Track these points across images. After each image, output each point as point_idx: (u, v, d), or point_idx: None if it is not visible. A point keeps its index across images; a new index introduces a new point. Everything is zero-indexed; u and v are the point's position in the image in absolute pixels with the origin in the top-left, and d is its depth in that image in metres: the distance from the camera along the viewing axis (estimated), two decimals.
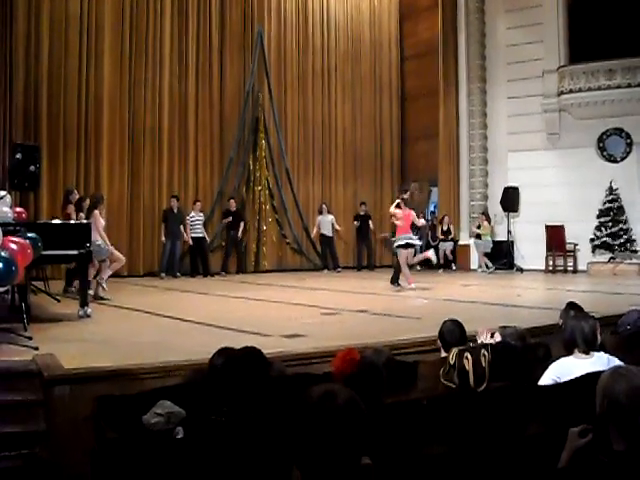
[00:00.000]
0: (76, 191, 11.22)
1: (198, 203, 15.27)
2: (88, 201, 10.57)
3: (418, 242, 12.53)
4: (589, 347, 4.01)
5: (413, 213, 12.30)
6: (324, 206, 17.16)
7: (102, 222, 9.93)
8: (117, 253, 10.36)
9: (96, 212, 9.96)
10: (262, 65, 17.07)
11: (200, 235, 15.09)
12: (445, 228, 17.54)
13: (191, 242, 15.02)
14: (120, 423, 3.31)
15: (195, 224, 15.02)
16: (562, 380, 3.85)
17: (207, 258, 15.29)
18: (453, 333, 4.56)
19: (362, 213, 17.72)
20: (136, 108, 14.98)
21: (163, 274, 14.41)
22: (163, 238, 14.54)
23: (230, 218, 15.64)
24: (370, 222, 17.71)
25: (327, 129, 18.56)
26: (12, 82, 13.19)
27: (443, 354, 4.48)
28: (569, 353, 4.09)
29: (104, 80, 14.42)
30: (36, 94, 13.53)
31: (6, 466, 4.24)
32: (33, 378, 4.73)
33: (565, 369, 3.90)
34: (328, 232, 17.00)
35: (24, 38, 13.38)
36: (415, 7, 19.93)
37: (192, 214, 15.08)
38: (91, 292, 9.81)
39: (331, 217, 17.11)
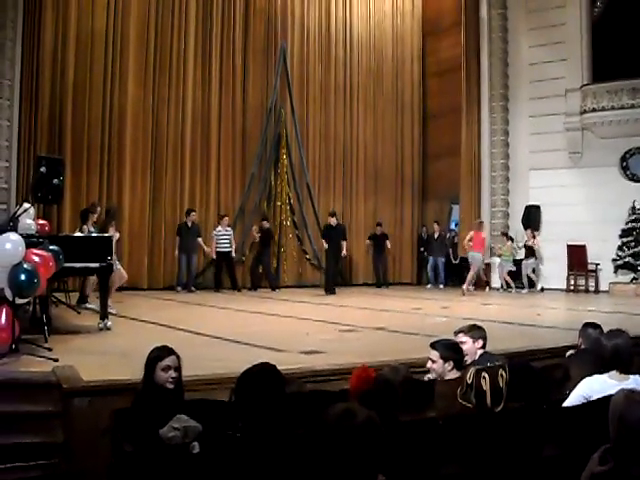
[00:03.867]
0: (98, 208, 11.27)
1: (225, 218, 15.26)
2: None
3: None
4: (619, 367, 3.85)
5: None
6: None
7: (116, 236, 9.99)
8: (120, 269, 10.35)
9: (113, 225, 10.07)
10: (285, 81, 17.19)
11: (227, 250, 15.06)
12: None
13: (214, 256, 14.98)
14: (137, 436, 3.33)
15: (222, 239, 15.05)
16: (593, 398, 3.75)
17: (234, 272, 15.30)
18: (452, 350, 4.52)
19: (378, 233, 17.69)
20: (159, 123, 15.12)
21: (179, 288, 14.45)
22: (176, 252, 14.54)
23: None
24: (387, 242, 17.69)
25: (348, 145, 18.61)
26: (38, 96, 13.39)
27: (448, 376, 4.42)
28: (598, 372, 3.93)
29: (128, 96, 14.59)
30: (61, 108, 13.71)
31: (25, 476, 4.28)
32: (52, 389, 4.77)
33: (598, 388, 3.75)
34: None
35: (50, 53, 13.59)
36: (438, 25, 20.00)
37: (219, 228, 15.09)
38: (94, 306, 9.89)
39: None
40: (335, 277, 15.79)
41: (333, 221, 15.43)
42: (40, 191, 9.08)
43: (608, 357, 3.89)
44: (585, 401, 3.77)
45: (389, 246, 17.75)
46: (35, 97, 13.38)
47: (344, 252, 15.56)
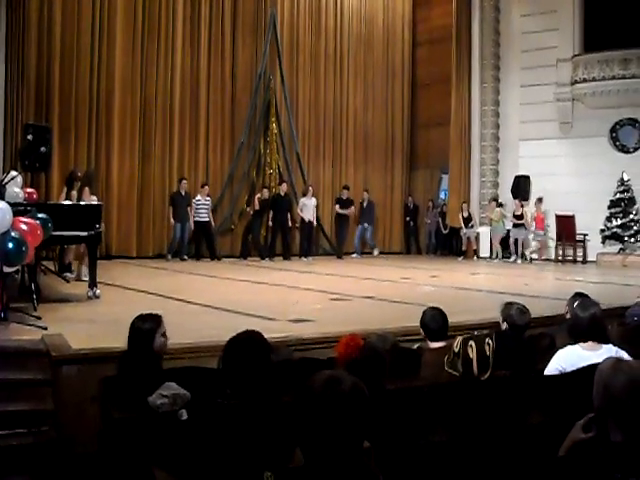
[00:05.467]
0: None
1: (206, 187, 15.09)
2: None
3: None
4: (595, 338, 3.95)
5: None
6: (310, 188, 16.58)
7: (92, 200, 9.92)
8: None
9: (86, 189, 10.00)
10: (274, 48, 17.02)
11: (205, 219, 14.90)
12: (466, 215, 17.30)
13: (192, 226, 14.73)
14: (126, 403, 3.36)
15: (200, 208, 14.86)
16: (567, 370, 3.82)
17: (213, 242, 15.19)
18: (435, 319, 4.56)
19: (344, 197, 17.06)
20: (148, 90, 14.97)
21: (169, 256, 14.37)
22: (172, 221, 14.43)
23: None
24: (352, 208, 17.09)
25: (338, 113, 18.52)
26: (24, 63, 13.20)
27: (431, 345, 4.47)
28: (574, 342, 4.03)
29: (116, 62, 14.41)
30: (48, 75, 13.54)
31: (14, 443, 4.30)
32: (42, 357, 4.79)
33: (571, 359, 3.84)
34: (309, 217, 16.24)
35: (36, 18, 13.37)
36: None
37: (198, 197, 14.85)
38: (72, 275, 9.86)
39: (314, 200, 16.46)
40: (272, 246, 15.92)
41: (283, 188, 15.86)
42: (27, 159, 9.02)
43: (585, 328, 3.96)
44: (559, 374, 3.84)
45: (350, 213, 17.11)
46: (22, 64, 13.19)
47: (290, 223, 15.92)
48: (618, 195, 15.81)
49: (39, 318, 5.87)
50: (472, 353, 3.73)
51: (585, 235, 16.23)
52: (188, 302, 7.63)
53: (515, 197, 16.82)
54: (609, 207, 15.88)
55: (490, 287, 10.16)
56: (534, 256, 16.56)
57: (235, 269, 12.95)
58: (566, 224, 16.18)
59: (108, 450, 3.38)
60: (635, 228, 15.64)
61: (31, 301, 6.54)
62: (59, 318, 6.18)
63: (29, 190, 8.44)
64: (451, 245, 18.49)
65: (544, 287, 11.08)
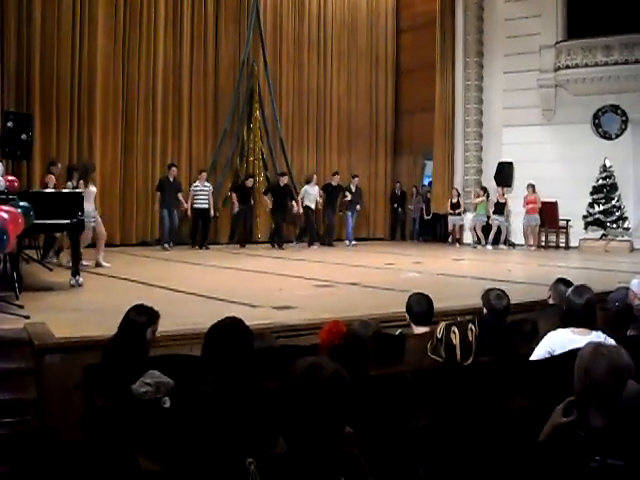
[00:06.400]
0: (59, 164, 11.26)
1: (203, 173, 14.88)
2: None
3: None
4: (587, 323, 3.96)
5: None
6: (314, 177, 16.57)
7: (91, 191, 9.85)
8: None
9: (81, 181, 9.95)
10: (257, 35, 16.90)
11: (204, 206, 14.70)
12: (455, 201, 17.25)
13: (189, 212, 14.64)
14: (109, 391, 3.35)
15: (199, 194, 14.69)
16: (557, 353, 3.84)
17: (208, 230, 14.96)
18: (420, 303, 4.58)
19: (334, 184, 16.76)
20: (130, 77, 14.83)
21: (166, 245, 14.07)
22: (156, 206, 14.27)
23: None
24: (346, 192, 16.85)
25: (322, 100, 18.47)
26: (4, 49, 13.02)
27: (416, 330, 4.49)
28: (564, 326, 4.04)
29: (98, 49, 14.24)
30: (28, 62, 13.36)
31: None
32: (24, 347, 4.75)
33: (562, 342, 3.86)
34: (311, 204, 16.16)
35: (15, 4, 13.18)
36: None
37: (196, 184, 14.72)
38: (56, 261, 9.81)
39: (317, 189, 16.40)
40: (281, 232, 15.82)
41: (283, 181, 15.66)
42: (8, 146, 8.94)
43: (580, 313, 3.97)
44: (549, 355, 3.86)
45: (348, 197, 16.88)
46: (1, 51, 13.02)
47: (296, 209, 15.83)
48: (600, 181, 15.89)
49: (21, 307, 5.83)
50: (455, 339, 3.76)
51: (568, 221, 16.33)
52: (172, 290, 7.60)
53: (498, 184, 16.90)
54: (591, 193, 15.95)
55: (473, 273, 10.21)
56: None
57: (219, 256, 12.91)
58: (549, 210, 16.27)
59: (92, 438, 3.38)
60: (617, 214, 15.73)
61: (13, 290, 6.49)
62: (42, 307, 6.14)
63: (10, 178, 8.35)
64: (434, 231, 18.54)
65: (527, 273, 11.15)
